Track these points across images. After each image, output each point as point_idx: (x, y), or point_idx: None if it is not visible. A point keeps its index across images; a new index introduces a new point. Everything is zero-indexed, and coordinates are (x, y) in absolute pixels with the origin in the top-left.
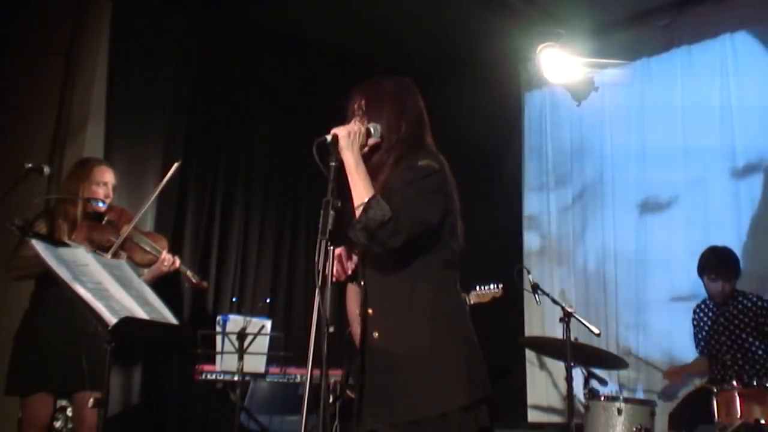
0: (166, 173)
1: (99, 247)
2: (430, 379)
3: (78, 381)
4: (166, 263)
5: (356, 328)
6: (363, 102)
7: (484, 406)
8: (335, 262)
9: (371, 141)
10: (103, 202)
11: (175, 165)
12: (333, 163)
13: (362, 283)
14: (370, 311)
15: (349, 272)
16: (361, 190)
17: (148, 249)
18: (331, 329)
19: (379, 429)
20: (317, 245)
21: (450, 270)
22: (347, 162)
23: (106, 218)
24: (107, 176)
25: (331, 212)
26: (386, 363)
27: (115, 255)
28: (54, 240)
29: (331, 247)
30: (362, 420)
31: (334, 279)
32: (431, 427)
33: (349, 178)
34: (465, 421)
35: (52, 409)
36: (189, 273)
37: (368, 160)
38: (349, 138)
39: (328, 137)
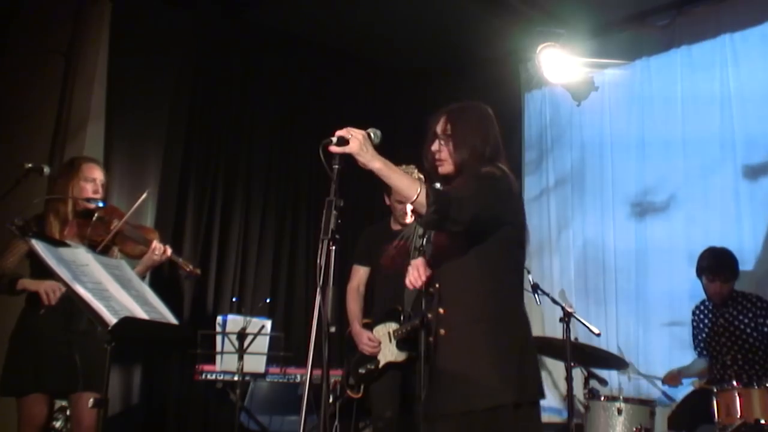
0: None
1: (90, 243)
2: (485, 375)
3: (72, 381)
4: (157, 252)
5: (357, 328)
6: (449, 126)
7: (534, 407)
8: (414, 270)
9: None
10: (104, 202)
11: (146, 192)
12: (336, 165)
13: (437, 285)
14: (441, 311)
15: (424, 279)
16: (408, 183)
17: (138, 241)
18: (333, 329)
19: (439, 418)
20: (319, 244)
21: (516, 277)
22: (376, 168)
23: (96, 215)
24: (96, 173)
25: (334, 212)
26: (450, 358)
27: (108, 250)
28: (54, 240)
29: (333, 247)
30: (428, 410)
31: (411, 287)
32: (482, 419)
33: (388, 181)
34: (514, 418)
35: (48, 409)
36: (181, 261)
37: (447, 181)
38: (363, 148)
39: (333, 139)
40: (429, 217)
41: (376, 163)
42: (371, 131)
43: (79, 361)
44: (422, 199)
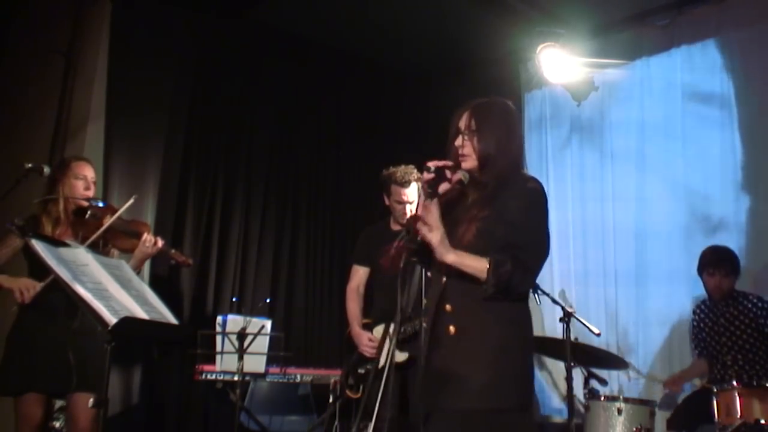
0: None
1: (84, 240)
2: (495, 376)
3: (67, 381)
4: (147, 243)
5: (356, 329)
6: (473, 122)
7: (530, 411)
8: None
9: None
10: (104, 202)
11: (133, 198)
12: (430, 191)
13: (444, 279)
14: (448, 307)
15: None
16: (478, 265)
17: (130, 235)
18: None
19: (436, 415)
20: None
21: None
22: (451, 261)
23: (89, 212)
24: (85, 170)
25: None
26: (460, 357)
27: (104, 248)
28: (54, 240)
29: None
30: (419, 403)
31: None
32: (487, 420)
33: (463, 269)
34: (519, 420)
35: (44, 409)
36: (173, 251)
37: (473, 182)
38: (443, 243)
39: (431, 167)
40: (489, 294)
41: (451, 257)
42: (462, 174)
43: (74, 360)
44: (485, 267)
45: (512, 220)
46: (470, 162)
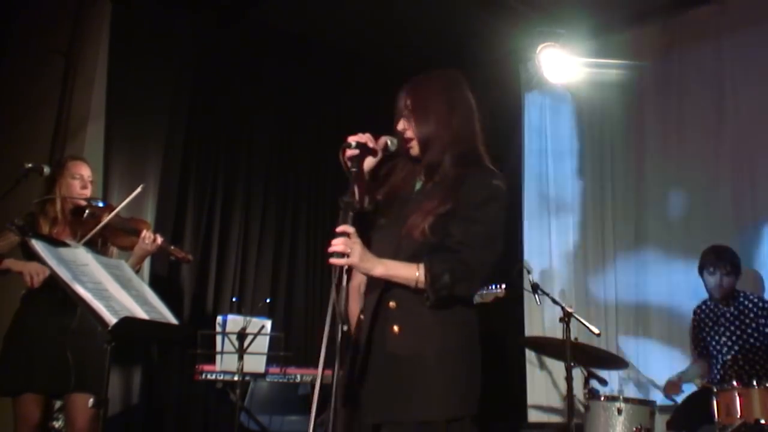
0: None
1: (81, 238)
2: (451, 383)
3: (65, 381)
4: (147, 240)
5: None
6: (409, 101)
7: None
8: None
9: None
10: (104, 201)
11: (140, 187)
12: (354, 169)
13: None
14: (392, 304)
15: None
16: (407, 275)
17: (129, 232)
18: (345, 328)
19: (384, 426)
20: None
21: None
22: (379, 274)
23: (87, 212)
24: (82, 169)
25: (350, 214)
26: (409, 361)
27: (103, 247)
28: (53, 240)
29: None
30: (365, 413)
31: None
32: (441, 430)
33: (393, 280)
34: (474, 429)
35: (42, 409)
36: (173, 248)
37: (417, 161)
38: (363, 258)
39: (352, 143)
40: (432, 301)
41: (379, 269)
42: (389, 140)
43: (72, 360)
44: (422, 279)
45: (467, 217)
46: (416, 147)
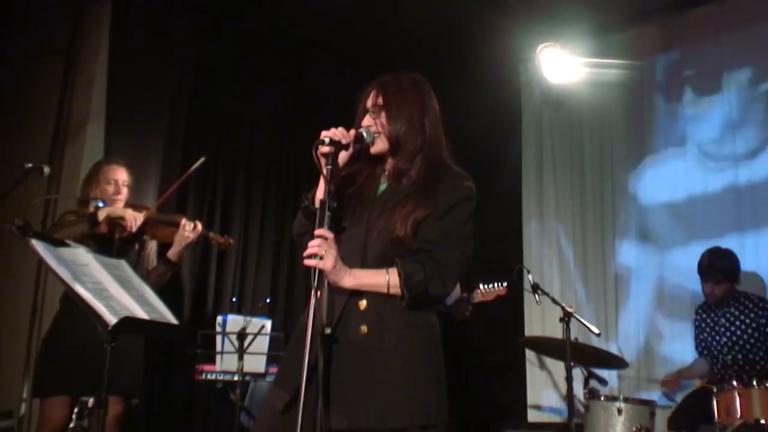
0: (189, 167)
1: (121, 239)
2: (423, 390)
3: (98, 385)
4: (187, 228)
5: None
6: (381, 99)
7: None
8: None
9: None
10: (104, 202)
11: (201, 159)
12: (329, 166)
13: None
14: (364, 303)
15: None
16: (377, 281)
17: (168, 223)
18: (328, 330)
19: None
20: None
21: None
22: (349, 286)
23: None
24: (117, 174)
25: (327, 213)
26: (377, 364)
27: (142, 243)
28: (54, 240)
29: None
30: (334, 419)
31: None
32: None
33: (363, 288)
34: None
35: (68, 412)
36: (212, 234)
37: (379, 161)
38: (336, 266)
39: (326, 140)
40: (407, 300)
41: (348, 281)
42: (364, 131)
43: (108, 364)
44: (395, 282)
45: (440, 218)
46: (380, 144)
